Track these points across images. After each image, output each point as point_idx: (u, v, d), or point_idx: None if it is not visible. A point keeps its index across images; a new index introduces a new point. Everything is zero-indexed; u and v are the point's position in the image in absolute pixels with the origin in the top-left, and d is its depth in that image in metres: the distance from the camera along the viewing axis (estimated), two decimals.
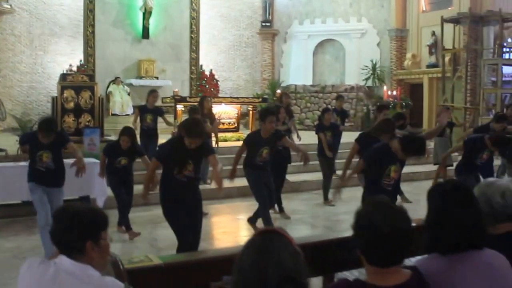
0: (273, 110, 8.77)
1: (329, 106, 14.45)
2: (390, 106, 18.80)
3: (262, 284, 1.86)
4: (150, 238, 8.48)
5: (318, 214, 10.47)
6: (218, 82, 22.27)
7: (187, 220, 6.35)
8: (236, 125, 16.35)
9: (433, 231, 2.72)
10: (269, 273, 1.86)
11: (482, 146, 8.10)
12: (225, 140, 15.12)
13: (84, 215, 2.64)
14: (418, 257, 2.81)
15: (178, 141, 6.32)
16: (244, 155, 8.61)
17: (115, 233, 8.30)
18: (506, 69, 19.86)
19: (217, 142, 12.12)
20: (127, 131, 8.43)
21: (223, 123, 15.94)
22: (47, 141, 7.11)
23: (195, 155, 6.27)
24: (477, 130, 10.91)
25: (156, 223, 8.87)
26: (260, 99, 17.69)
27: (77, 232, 2.57)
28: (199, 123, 6.41)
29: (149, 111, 11.55)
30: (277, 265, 1.88)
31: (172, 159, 6.26)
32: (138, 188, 8.22)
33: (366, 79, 22.58)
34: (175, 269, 3.28)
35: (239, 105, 16.62)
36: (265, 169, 8.48)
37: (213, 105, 13.14)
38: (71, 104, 12.45)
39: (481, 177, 8.27)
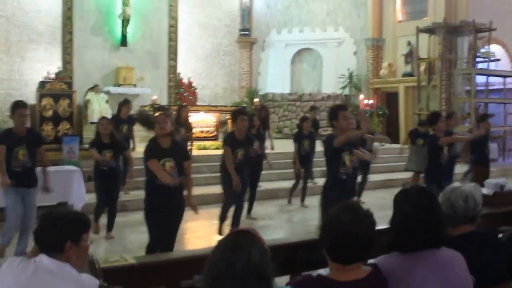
0: (243, 110, 9.09)
1: (307, 115, 14.60)
2: (367, 114, 19.06)
3: (230, 277, 2.05)
4: (126, 241, 8.65)
5: (292, 219, 10.75)
6: (196, 90, 22.35)
7: (165, 227, 6.42)
8: (215, 133, 16.50)
9: (398, 232, 2.91)
10: (238, 268, 2.05)
11: (436, 139, 8.47)
12: (205, 148, 15.27)
13: (67, 217, 2.85)
14: None
15: (152, 139, 6.44)
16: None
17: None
18: (480, 79, 20.23)
19: (190, 150, 12.33)
20: (102, 118, 8.98)
21: (201, 132, 16.09)
22: (23, 128, 7.19)
23: (173, 153, 6.31)
24: None
25: (134, 226, 9.10)
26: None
27: (58, 232, 2.76)
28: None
29: (124, 121, 11.60)
30: (246, 261, 2.09)
31: (155, 153, 6.28)
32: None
33: (343, 88, 22.87)
34: (148, 268, 3.44)
35: (218, 114, 16.78)
36: (241, 172, 8.66)
37: (190, 114, 13.30)
38: (50, 112, 12.49)
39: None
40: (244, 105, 20.19)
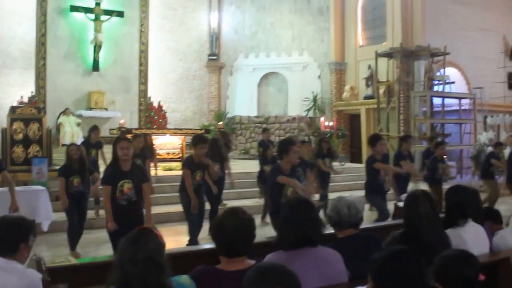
0: (204, 138, 9.66)
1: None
2: (328, 136, 19.77)
3: (133, 262, 2.74)
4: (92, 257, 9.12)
5: None
6: (166, 114, 22.87)
7: None
8: (180, 154, 16.99)
9: (281, 232, 3.60)
10: (139, 256, 2.74)
11: (373, 161, 9.15)
12: (170, 169, 15.80)
13: (17, 223, 3.54)
14: None
15: (113, 163, 7.07)
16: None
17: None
18: (437, 100, 21.01)
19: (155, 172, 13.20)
20: (72, 144, 9.58)
21: (168, 153, 16.65)
22: None
23: (132, 175, 6.93)
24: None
25: (99, 243, 9.61)
26: (203, 131, 18.40)
27: (13, 237, 3.46)
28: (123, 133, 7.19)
29: (93, 146, 12.31)
30: (144, 250, 2.77)
31: (113, 177, 6.92)
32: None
33: (308, 110, 23.53)
34: (88, 268, 4.08)
35: (183, 136, 17.30)
36: (198, 193, 9.21)
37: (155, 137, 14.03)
38: (20, 136, 12.92)
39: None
40: (211, 127, 20.80)
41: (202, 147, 9.05)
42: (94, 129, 12.57)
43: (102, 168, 12.84)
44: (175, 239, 10.82)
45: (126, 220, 6.77)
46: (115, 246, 6.96)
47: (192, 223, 9.15)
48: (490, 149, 16.33)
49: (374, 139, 9.54)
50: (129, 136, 15.81)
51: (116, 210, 6.92)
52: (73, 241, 9.08)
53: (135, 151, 10.98)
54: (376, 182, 9.24)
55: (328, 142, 12.90)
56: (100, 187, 8.84)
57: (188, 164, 9.19)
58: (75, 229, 9.10)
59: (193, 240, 9.08)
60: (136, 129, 17.80)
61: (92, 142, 12.41)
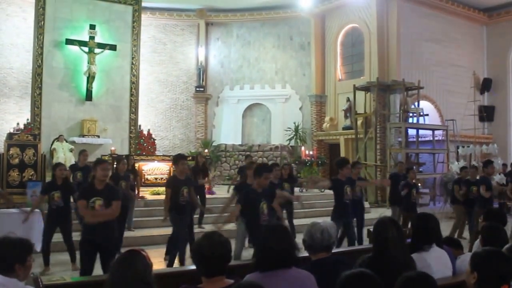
0: (184, 155, 9.96)
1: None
2: (308, 164, 19.98)
3: (123, 281, 2.87)
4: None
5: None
6: (155, 141, 23.01)
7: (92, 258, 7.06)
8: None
9: (259, 255, 3.75)
10: (128, 275, 2.87)
11: (340, 182, 9.30)
12: (158, 194, 15.87)
13: (14, 244, 3.64)
14: None
15: (90, 181, 7.41)
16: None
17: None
18: (412, 131, 21.26)
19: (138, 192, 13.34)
20: (60, 163, 9.70)
21: (155, 178, 16.75)
22: None
23: (104, 194, 7.10)
24: None
25: None
26: (190, 157, 18.55)
27: (8, 257, 3.56)
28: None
29: (79, 169, 12.29)
30: (133, 270, 2.90)
31: (87, 193, 7.12)
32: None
33: (290, 139, 23.74)
34: (81, 286, 4.19)
35: (170, 162, 17.41)
36: (187, 212, 9.37)
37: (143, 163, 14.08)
38: (16, 160, 13.01)
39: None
40: (197, 154, 20.95)
41: (183, 163, 9.33)
42: (82, 152, 12.61)
43: None
44: (162, 260, 10.93)
45: (96, 236, 6.98)
46: (82, 260, 7.13)
47: (183, 236, 9.27)
48: None
49: (342, 163, 9.65)
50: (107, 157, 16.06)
51: (86, 225, 7.13)
52: (46, 257, 9.25)
53: (120, 173, 11.25)
54: (341, 205, 9.36)
55: (289, 168, 12.99)
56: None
57: (172, 183, 9.40)
58: (47, 250, 9.27)
59: (173, 256, 9.34)
60: (126, 155, 17.87)
61: (80, 165, 12.40)
